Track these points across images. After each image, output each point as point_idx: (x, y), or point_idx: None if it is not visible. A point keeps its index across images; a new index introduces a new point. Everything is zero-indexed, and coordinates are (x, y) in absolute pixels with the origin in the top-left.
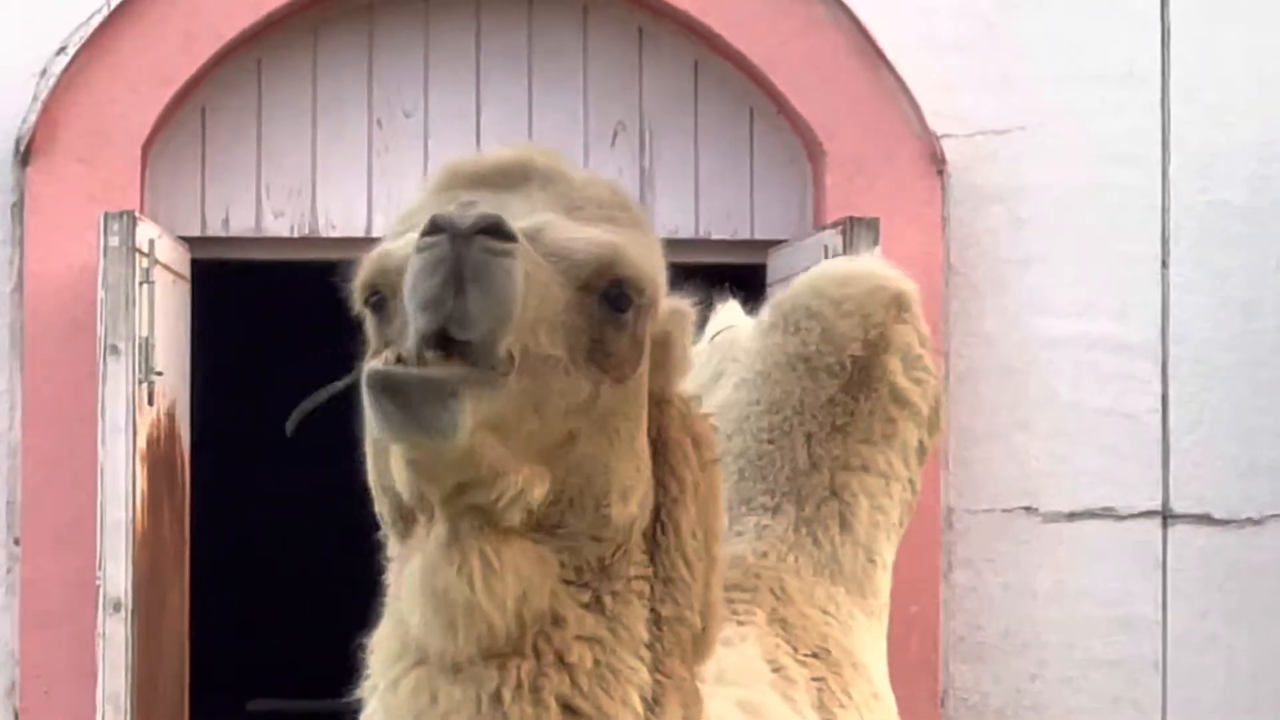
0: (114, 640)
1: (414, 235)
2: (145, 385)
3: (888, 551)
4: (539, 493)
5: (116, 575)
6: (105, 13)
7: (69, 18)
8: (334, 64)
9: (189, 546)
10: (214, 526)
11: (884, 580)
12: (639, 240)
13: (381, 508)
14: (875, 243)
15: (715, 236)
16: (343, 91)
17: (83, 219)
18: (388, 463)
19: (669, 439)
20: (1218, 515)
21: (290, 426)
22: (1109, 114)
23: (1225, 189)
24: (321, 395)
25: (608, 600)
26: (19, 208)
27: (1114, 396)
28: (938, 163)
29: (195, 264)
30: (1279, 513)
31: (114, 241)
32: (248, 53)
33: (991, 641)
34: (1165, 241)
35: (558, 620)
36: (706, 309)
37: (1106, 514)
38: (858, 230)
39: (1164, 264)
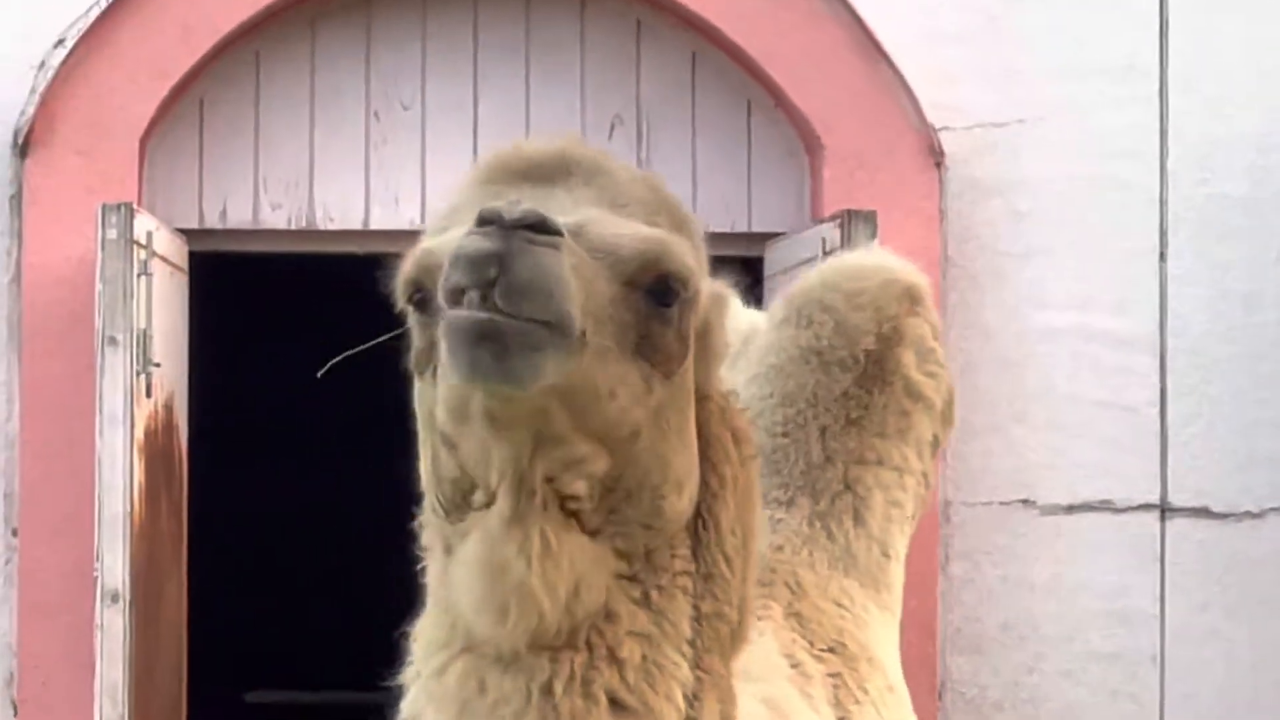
0: (112, 631)
1: (457, 231)
2: (143, 377)
3: (901, 545)
4: (601, 466)
5: (114, 566)
6: (103, 5)
7: (67, 10)
8: (331, 56)
9: (187, 538)
10: (212, 518)
11: (898, 574)
12: (680, 238)
13: (435, 495)
14: (873, 236)
15: (713, 229)
16: (340, 84)
17: (80, 211)
18: (442, 449)
19: (710, 434)
20: (1216, 508)
21: (322, 373)
22: (1108, 107)
23: (1224, 181)
24: (361, 348)
25: (655, 595)
26: (17, 200)
27: (1113, 389)
28: (936, 156)
29: (193, 256)
30: (1278, 506)
31: (112, 234)
32: (246, 45)
33: (989, 634)
34: (1164, 234)
35: (610, 615)
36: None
37: (1105, 507)
38: (856, 223)
39: (1163, 257)
